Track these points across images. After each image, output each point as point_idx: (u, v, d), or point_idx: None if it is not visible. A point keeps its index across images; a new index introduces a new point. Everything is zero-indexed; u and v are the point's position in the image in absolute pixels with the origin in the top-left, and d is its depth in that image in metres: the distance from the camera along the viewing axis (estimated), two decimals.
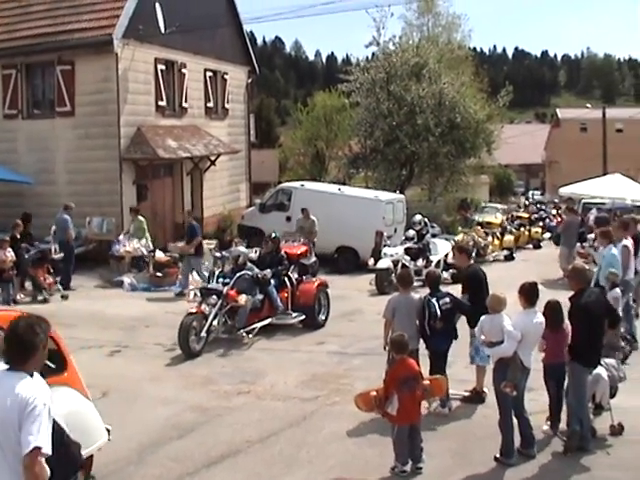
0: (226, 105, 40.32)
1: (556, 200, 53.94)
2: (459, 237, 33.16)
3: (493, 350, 11.53)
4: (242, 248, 21.43)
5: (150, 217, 29.97)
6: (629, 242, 18.31)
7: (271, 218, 33.08)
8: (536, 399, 12.80)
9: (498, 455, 11.27)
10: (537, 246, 40.47)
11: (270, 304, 19.65)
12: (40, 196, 30.11)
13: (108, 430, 10.54)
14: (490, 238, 34.97)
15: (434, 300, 13.44)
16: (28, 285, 24.49)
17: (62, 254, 25.99)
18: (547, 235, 41.48)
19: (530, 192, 76.22)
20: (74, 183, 30.44)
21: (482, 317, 11.94)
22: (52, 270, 24.89)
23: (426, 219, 30.08)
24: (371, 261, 28.39)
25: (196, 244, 25.73)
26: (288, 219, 32.51)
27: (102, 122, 30.03)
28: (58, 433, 7.37)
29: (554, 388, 12.13)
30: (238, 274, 19.09)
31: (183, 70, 35.04)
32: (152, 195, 32.16)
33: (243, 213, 36.84)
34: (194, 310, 17.88)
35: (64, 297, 24.08)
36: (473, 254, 19.93)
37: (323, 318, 20.83)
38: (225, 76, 40.05)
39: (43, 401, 6.68)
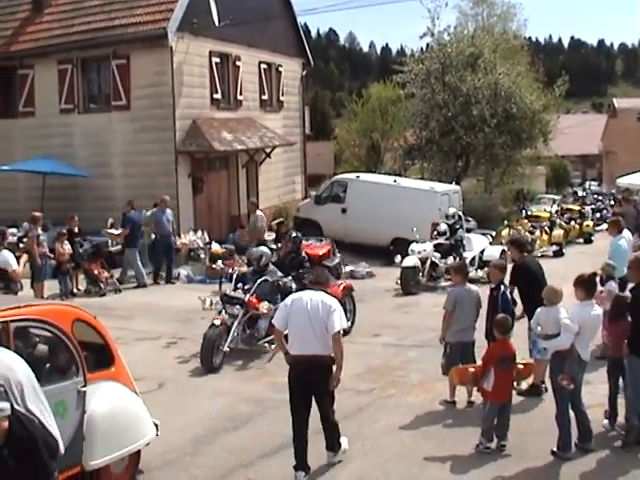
0: (281, 97, 40.38)
1: (613, 191, 53.27)
2: (505, 231, 32.75)
3: (550, 343, 11.44)
4: (264, 248, 19.23)
5: (206, 210, 30.08)
6: None
7: (327, 210, 33.10)
8: (593, 392, 12.70)
9: (555, 449, 11.16)
10: (588, 240, 38.40)
11: None
12: (96, 189, 30.36)
13: (156, 425, 10.59)
14: (538, 232, 33.86)
15: (508, 291, 13.46)
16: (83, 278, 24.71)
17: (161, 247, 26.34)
18: (604, 226, 40.27)
19: (587, 183, 75.34)
20: (130, 176, 30.65)
21: (538, 310, 11.85)
22: (106, 264, 25.02)
23: (461, 212, 28.67)
24: (398, 258, 26.98)
25: (124, 234, 25.64)
26: (344, 211, 32.50)
27: (157, 115, 30.20)
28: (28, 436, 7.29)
29: (616, 382, 12.00)
30: (260, 279, 17.38)
31: (237, 63, 35.11)
32: (208, 188, 32.22)
33: (299, 205, 36.86)
34: (218, 322, 16.40)
35: (118, 290, 24.27)
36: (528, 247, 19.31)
37: (349, 324, 18.21)
38: (279, 68, 40.10)
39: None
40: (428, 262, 25.55)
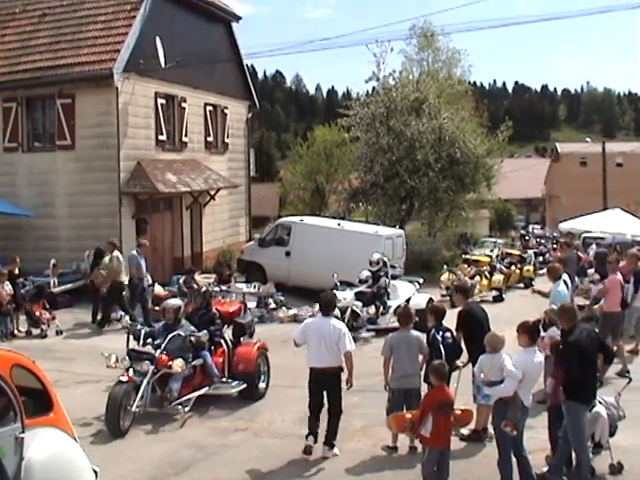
0: (226, 139, 40.43)
1: (556, 234, 53.81)
2: (444, 276, 32.67)
3: (493, 389, 11.49)
4: (178, 300, 17.58)
5: (149, 251, 29.91)
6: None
7: (271, 253, 33.08)
8: (535, 437, 12.77)
9: None
10: (529, 285, 36.99)
11: (203, 371, 16.41)
12: (40, 229, 30.09)
13: (96, 472, 10.42)
14: (478, 277, 33.20)
15: (439, 335, 13.52)
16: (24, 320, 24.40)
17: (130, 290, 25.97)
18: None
19: (530, 226, 76.22)
20: (74, 216, 30.44)
21: (481, 356, 11.93)
22: (48, 305, 24.71)
23: (386, 258, 27.18)
24: (306, 309, 26.87)
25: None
26: (288, 254, 32.49)
27: (102, 156, 30.06)
28: None
29: (558, 428, 12.07)
30: (171, 334, 15.93)
31: (183, 104, 35.13)
32: (152, 229, 32.09)
33: (243, 247, 36.78)
34: (125, 378, 14.88)
35: (59, 332, 24.00)
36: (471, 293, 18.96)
37: (264, 386, 17.50)
38: (225, 110, 40.18)
39: None
40: (348, 311, 24.17)
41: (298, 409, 15.87)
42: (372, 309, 25.25)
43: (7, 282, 23.41)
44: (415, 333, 14.03)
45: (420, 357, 13.75)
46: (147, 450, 13.64)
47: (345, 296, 24.55)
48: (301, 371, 19.31)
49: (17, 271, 24.68)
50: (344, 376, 13.50)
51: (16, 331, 23.69)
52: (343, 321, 22.14)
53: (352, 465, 12.89)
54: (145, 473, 12.45)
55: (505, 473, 11.19)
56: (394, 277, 27.41)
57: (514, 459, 11.32)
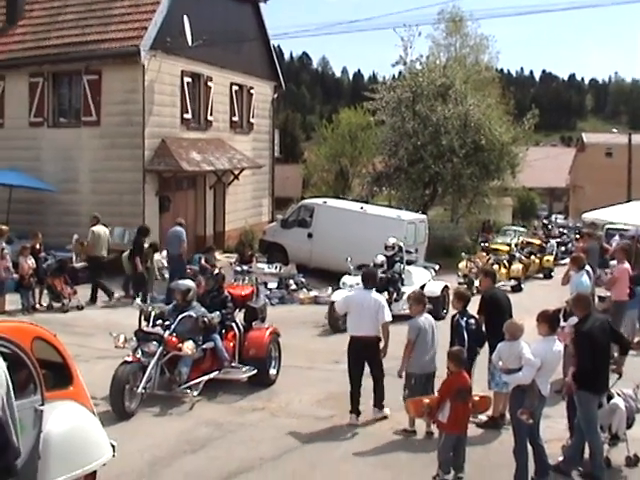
0: (251, 119, 40.43)
1: (579, 225, 53.45)
2: (462, 264, 32.33)
3: (511, 377, 11.45)
4: (190, 282, 17.01)
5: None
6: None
7: (293, 234, 33.06)
8: (552, 426, 12.75)
9: None
10: (548, 276, 37.06)
11: (213, 355, 16.11)
12: (62, 205, 30.22)
13: (113, 446, 10.49)
14: (496, 266, 31.90)
15: (462, 321, 13.52)
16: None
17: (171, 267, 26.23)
18: (567, 260, 38.75)
19: (553, 216, 75.76)
20: (97, 193, 30.55)
21: (500, 344, 11.89)
22: (70, 280, 24.80)
23: (401, 243, 26.46)
24: (329, 291, 26.65)
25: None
26: (310, 236, 32.44)
27: (127, 133, 30.15)
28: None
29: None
30: (181, 315, 15.68)
31: (209, 83, 35.15)
32: (174, 207, 32.17)
33: (265, 228, 36.78)
34: (130, 358, 14.61)
35: (80, 307, 24.11)
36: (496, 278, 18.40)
37: (275, 373, 17.03)
38: (251, 90, 40.17)
39: None
40: None
41: (315, 391, 15.97)
42: (385, 295, 23.78)
43: (30, 256, 23.55)
44: (430, 317, 14.18)
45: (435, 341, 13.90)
46: (164, 427, 13.72)
47: (357, 281, 23.42)
48: (319, 353, 19.50)
49: (38, 246, 24.78)
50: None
51: (37, 305, 23.85)
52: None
53: (369, 448, 12.91)
54: (162, 449, 12.50)
55: (520, 461, 11.17)
56: (409, 262, 26.82)
57: (530, 447, 11.30)
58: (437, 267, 28.31)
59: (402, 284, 25.03)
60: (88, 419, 10.27)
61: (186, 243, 26.59)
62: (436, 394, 11.99)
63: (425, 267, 27.84)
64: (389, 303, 23.20)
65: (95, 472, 10.25)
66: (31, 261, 23.46)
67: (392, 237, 25.96)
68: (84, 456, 9.95)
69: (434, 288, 25.27)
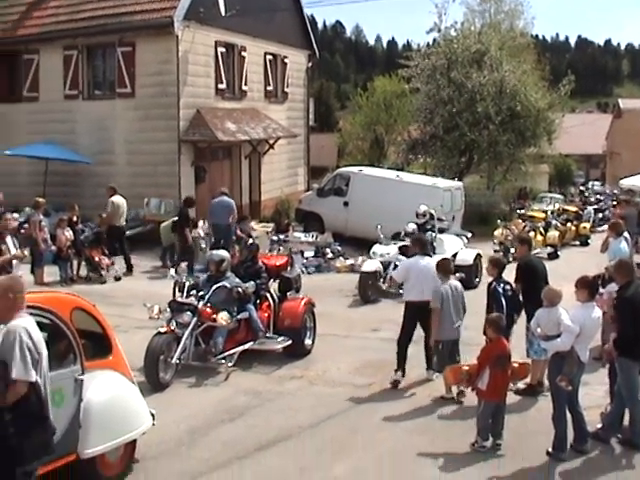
0: (286, 89, 40.37)
1: (616, 191, 52.90)
2: (498, 231, 32.03)
3: (550, 344, 11.41)
4: (224, 252, 16.97)
5: (208, 199, 30.02)
6: None
7: (329, 203, 33.00)
8: (590, 394, 12.71)
9: (550, 449, 11.16)
10: (585, 243, 36.18)
11: (248, 325, 16.04)
12: (98, 176, 30.30)
13: (153, 415, 10.59)
14: (532, 233, 31.36)
15: (500, 287, 13.49)
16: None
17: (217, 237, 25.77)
18: (605, 227, 38.16)
19: (590, 183, 75.12)
20: (133, 164, 30.69)
21: (538, 310, 11.84)
22: (107, 251, 24.91)
23: (433, 211, 25.91)
24: (359, 259, 26.53)
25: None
26: (346, 204, 32.38)
27: (162, 104, 30.20)
28: (44, 414, 7.61)
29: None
30: (216, 285, 15.66)
31: (243, 53, 35.10)
32: (210, 177, 32.23)
33: (301, 197, 36.74)
34: (164, 329, 14.61)
35: (117, 278, 24.24)
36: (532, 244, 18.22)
37: (310, 343, 16.89)
38: (285, 60, 40.08)
39: None
40: (391, 266, 22.51)
41: (352, 359, 15.99)
42: None
43: (67, 228, 23.69)
44: (458, 284, 14.34)
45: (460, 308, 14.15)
46: (202, 396, 13.81)
47: (388, 250, 23.70)
48: (356, 321, 19.53)
49: (75, 218, 24.93)
50: None
51: (76, 276, 24.00)
52: (385, 277, 22.37)
53: (406, 415, 12.96)
54: (200, 418, 12.58)
55: (559, 428, 11.15)
56: (441, 230, 26.26)
57: (569, 414, 11.28)
58: (469, 235, 27.95)
59: (434, 252, 23.57)
60: (128, 388, 10.38)
61: (236, 213, 26.52)
62: (474, 361, 11.95)
63: (457, 235, 27.33)
64: None
65: (135, 441, 10.39)
66: (68, 233, 23.60)
67: (423, 205, 25.55)
68: (124, 425, 10.07)
69: (466, 256, 24.94)
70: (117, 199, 25.94)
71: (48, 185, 29.26)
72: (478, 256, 25.05)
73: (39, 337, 7.74)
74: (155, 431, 10.85)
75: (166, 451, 11.20)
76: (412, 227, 24.16)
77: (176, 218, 25.81)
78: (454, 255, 24.12)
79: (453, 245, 25.59)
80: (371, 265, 22.96)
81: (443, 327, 13.77)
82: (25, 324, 7.62)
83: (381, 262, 23.02)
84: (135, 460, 10.57)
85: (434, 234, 24.89)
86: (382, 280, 22.68)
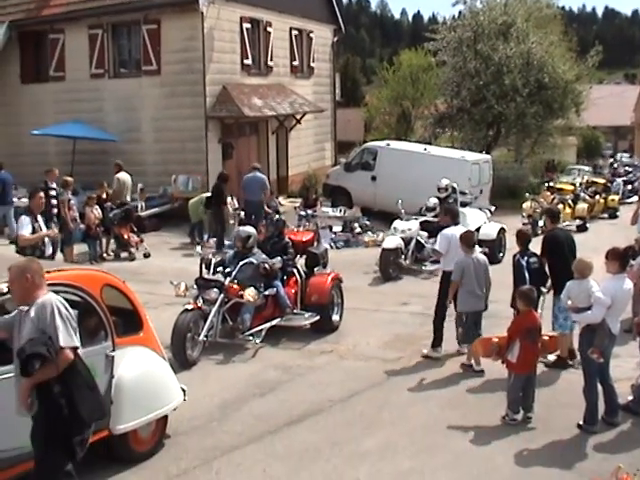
0: (311, 64, 40.28)
1: None
2: (527, 204, 31.76)
3: (580, 316, 11.36)
4: (252, 229, 16.76)
5: (235, 175, 30.04)
6: None
7: (356, 177, 32.97)
8: (621, 366, 12.67)
9: (581, 422, 11.16)
10: (613, 215, 35.75)
11: (275, 301, 15.99)
12: (125, 154, 30.22)
13: (184, 390, 10.66)
14: (561, 205, 30.68)
15: (523, 261, 13.47)
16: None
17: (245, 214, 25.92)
18: (635, 199, 36.45)
19: (618, 154, 74.52)
20: (160, 141, 30.76)
21: (569, 282, 11.78)
22: (136, 229, 24.99)
23: (455, 184, 25.43)
24: (380, 235, 26.28)
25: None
26: (373, 179, 32.31)
27: (188, 81, 30.20)
28: (92, 378, 7.81)
29: None
30: (242, 261, 15.54)
31: (268, 29, 35.02)
32: (237, 153, 32.26)
33: (328, 172, 36.72)
34: (190, 306, 14.55)
35: (146, 255, 24.32)
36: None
37: (337, 319, 16.79)
38: (310, 35, 39.97)
39: None
40: (413, 242, 22.62)
41: (382, 333, 16.01)
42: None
43: (96, 206, 23.78)
44: (482, 256, 14.29)
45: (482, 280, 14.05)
46: (232, 372, 13.85)
47: (410, 226, 23.16)
48: (385, 295, 19.56)
49: (105, 196, 25.04)
50: None
51: (105, 254, 24.12)
52: (407, 253, 22.21)
53: (437, 389, 13.03)
54: (231, 393, 12.64)
55: (590, 400, 11.13)
56: (464, 204, 25.46)
57: (599, 387, 11.25)
58: (493, 209, 27.46)
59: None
60: (159, 364, 10.45)
61: (269, 190, 26.51)
62: (504, 333, 11.92)
63: (480, 209, 26.70)
64: None
65: (167, 416, 10.46)
66: (97, 211, 23.69)
67: (445, 178, 25.18)
68: (155, 400, 10.14)
69: (490, 231, 24.61)
70: (122, 175, 26.26)
71: (76, 164, 29.34)
72: (502, 230, 24.82)
73: (72, 311, 7.81)
74: (186, 406, 10.92)
75: (198, 426, 11.27)
76: (433, 202, 23.86)
77: (208, 194, 25.95)
78: (477, 229, 23.41)
79: (476, 219, 25.09)
80: (392, 242, 22.45)
81: (466, 299, 13.82)
82: (58, 299, 7.71)
83: (402, 238, 22.56)
84: (167, 436, 10.65)
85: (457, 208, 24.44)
86: (404, 257, 22.31)
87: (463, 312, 13.94)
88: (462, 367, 13.85)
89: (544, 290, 13.74)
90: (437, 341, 14.62)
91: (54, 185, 22.30)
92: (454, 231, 14.86)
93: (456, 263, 13.92)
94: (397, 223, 23.64)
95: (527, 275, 13.30)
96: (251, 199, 25.74)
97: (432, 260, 22.15)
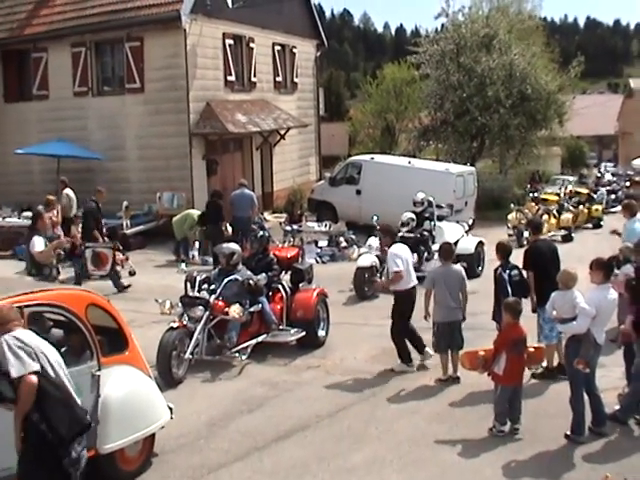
0: (295, 79, 40.33)
1: (629, 172, 52.70)
2: (512, 215, 31.87)
3: (565, 327, 11.42)
4: (236, 245, 16.76)
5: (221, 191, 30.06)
6: None
7: (341, 192, 33.05)
8: (607, 375, 12.72)
9: (569, 432, 11.17)
10: (597, 225, 35.76)
11: (261, 318, 15.93)
12: (110, 172, 30.35)
13: (171, 408, 10.66)
14: (546, 216, 31.33)
15: (505, 274, 13.51)
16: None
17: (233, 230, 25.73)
18: (619, 208, 37.98)
19: (603, 164, 74.82)
20: (144, 159, 30.75)
21: (553, 293, 11.85)
22: (121, 246, 24.91)
23: (431, 198, 24.88)
24: (354, 253, 25.98)
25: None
26: (358, 192, 32.40)
27: (171, 98, 30.22)
28: (64, 394, 7.65)
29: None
30: (227, 278, 15.50)
31: (251, 45, 35.07)
32: (222, 170, 32.26)
33: (313, 187, 36.80)
34: (176, 324, 14.52)
35: (132, 273, 24.22)
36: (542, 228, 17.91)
37: (324, 334, 16.77)
38: (294, 50, 40.04)
39: None
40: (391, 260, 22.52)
41: (369, 347, 16.01)
42: (415, 257, 21.81)
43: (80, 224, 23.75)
44: (457, 267, 14.41)
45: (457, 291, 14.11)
46: (219, 389, 13.82)
47: None
48: (372, 309, 19.53)
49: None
50: None
51: (89, 272, 24.00)
52: (382, 271, 21.08)
53: (424, 403, 13.02)
54: (219, 410, 12.64)
55: (577, 411, 11.16)
56: (440, 218, 25.16)
57: (586, 397, 11.28)
58: (471, 221, 26.83)
59: (433, 242, 23.42)
60: (145, 383, 10.43)
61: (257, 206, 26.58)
62: (490, 346, 11.95)
63: (457, 222, 26.18)
64: (419, 264, 22.23)
65: (154, 435, 10.44)
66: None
67: (421, 192, 24.70)
68: (142, 419, 10.13)
69: (467, 245, 24.13)
70: (69, 192, 26.48)
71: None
72: (480, 244, 24.57)
73: (32, 338, 7.75)
74: (174, 424, 10.91)
75: (185, 444, 11.26)
76: (407, 216, 23.30)
77: (198, 212, 26.14)
78: (455, 243, 22.49)
79: (453, 233, 24.57)
80: (366, 260, 21.97)
81: (437, 309, 14.00)
82: (11, 334, 7.69)
83: (377, 256, 21.94)
84: (154, 454, 10.63)
85: (433, 222, 24.28)
86: (379, 275, 21.43)
87: (435, 322, 14.09)
88: (437, 382, 13.98)
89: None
90: (406, 355, 14.81)
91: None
92: (402, 250, 15.14)
93: (429, 272, 14.28)
94: (372, 240, 23.36)
95: (509, 288, 13.32)
96: (240, 215, 25.74)
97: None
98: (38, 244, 20.33)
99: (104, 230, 23.28)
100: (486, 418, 11.70)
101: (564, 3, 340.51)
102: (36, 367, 7.47)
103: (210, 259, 23.93)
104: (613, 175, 53.55)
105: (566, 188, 39.82)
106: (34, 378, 7.37)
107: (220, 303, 15.01)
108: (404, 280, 14.66)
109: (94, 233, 22.48)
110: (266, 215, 32.10)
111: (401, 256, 14.74)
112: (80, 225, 23.70)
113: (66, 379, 7.85)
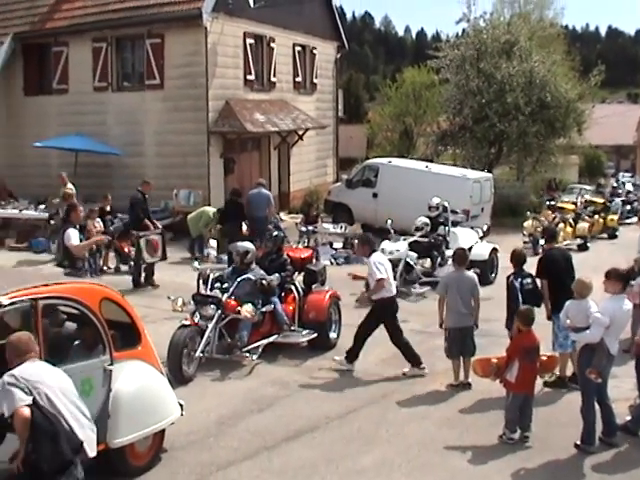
0: (314, 80, 40.35)
1: None
2: (528, 223, 31.76)
3: (579, 336, 11.39)
4: (250, 244, 16.76)
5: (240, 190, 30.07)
6: None
7: (358, 194, 33.03)
8: (619, 386, 12.66)
9: (579, 442, 11.13)
10: (612, 236, 35.54)
11: (272, 318, 15.94)
12: (127, 168, 30.43)
13: (181, 405, 10.67)
14: (562, 225, 31.23)
15: (517, 282, 13.47)
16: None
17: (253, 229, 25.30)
18: (634, 219, 35.46)
19: (620, 174, 74.55)
20: (162, 155, 30.80)
21: (567, 302, 11.83)
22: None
23: (446, 203, 24.79)
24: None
25: None
26: (375, 195, 32.37)
27: (191, 95, 30.28)
28: (55, 427, 7.53)
29: None
30: (240, 277, 15.59)
31: (272, 44, 35.10)
32: (239, 169, 32.30)
33: (330, 188, 36.79)
34: (187, 322, 14.58)
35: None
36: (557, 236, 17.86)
37: (335, 336, 16.75)
38: (314, 51, 40.06)
39: None
40: (401, 264, 21.85)
41: (380, 350, 15.93)
42: (428, 261, 23.03)
43: (98, 219, 23.80)
44: (469, 274, 14.46)
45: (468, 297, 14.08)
46: (230, 387, 13.84)
47: (398, 247, 22.68)
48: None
49: (108, 208, 25.17)
50: None
51: (105, 267, 24.04)
52: (395, 275, 19.92)
53: (434, 407, 13.02)
54: (228, 408, 12.65)
55: (588, 420, 11.11)
56: (455, 223, 25.16)
57: (597, 407, 11.24)
58: (485, 227, 26.61)
59: (447, 247, 23.36)
60: (156, 378, 10.44)
61: (273, 206, 26.60)
62: (503, 353, 11.93)
63: (472, 227, 26.09)
64: (432, 269, 22.50)
65: (164, 431, 10.46)
66: (99, 224, 23.71)
67: (435, 197, 24.67)
68: (153, 415, 10.14)
69: (481, 251, 23.94)
70: (70, 186, 26.40)
71: (78, 177, 29.30)
72: (494, 250, 24.40)
73: (32, 371, 7.59)
74: (184, 421, 10.92)
75: (195, 441, 11.27)
76: (422, 221, 23.30)
77: (214, 209, 26.17)
78: (468, 249, 21.71)
79: (468, 239, 24.42)
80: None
81: (448, 315, 14.01)
82: (10, 372, 7.60)
83: (390, 260, 20.40)
84: (164, 450, 10.65)
85: (447, 228, 24.21)
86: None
87: (446, 327, 14.12)
88: (448, 387, 13.95)
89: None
90: (415, 359, 14.85)
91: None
92: (382, 258, 15.46)
93: (442, 278, 14.09)
94: (385, 244, 23.06)
95: (520, 297, 13.27)
96: (257, 215, 25.68)
97: (421, 282, 22.27)
98: (74, 237, 20.53)
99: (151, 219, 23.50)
100: (496, 425, 11.67)
101: (586, 11, 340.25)
102: (28, 400, 7.36)
103: (225, 257, 23.95)
104: (634, 185, 53.19)
105: (582, 197, 39.63)
106: (26, 411, 7.27)
107: (232, 302, 15.03)
108: (385, 288, 14.68)
109: (145, 222, 22.77)
110: (282, 215, 32.10)
111: (383, 264, 14.85)
112: (97, 219, 23.76)
113: (72, 405, 7.72)
